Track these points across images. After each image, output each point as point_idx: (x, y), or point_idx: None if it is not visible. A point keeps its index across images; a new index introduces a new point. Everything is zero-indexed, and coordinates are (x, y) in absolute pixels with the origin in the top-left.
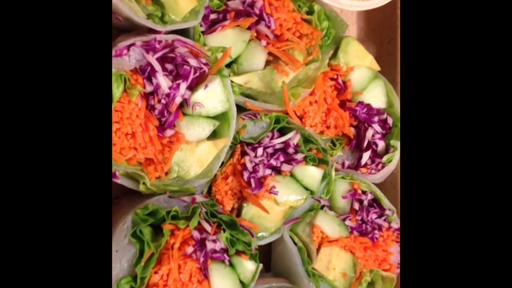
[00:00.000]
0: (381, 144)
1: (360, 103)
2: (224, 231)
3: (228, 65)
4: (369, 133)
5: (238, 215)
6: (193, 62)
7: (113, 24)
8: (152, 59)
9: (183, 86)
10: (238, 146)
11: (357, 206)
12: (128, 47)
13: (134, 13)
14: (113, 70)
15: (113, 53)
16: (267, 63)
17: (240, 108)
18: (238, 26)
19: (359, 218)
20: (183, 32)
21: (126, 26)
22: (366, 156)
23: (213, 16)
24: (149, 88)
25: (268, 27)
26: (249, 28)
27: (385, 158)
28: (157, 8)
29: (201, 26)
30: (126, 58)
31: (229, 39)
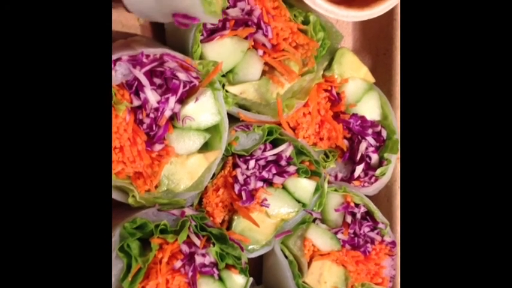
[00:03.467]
0: (375, 157)
1: (354, 115)
2: (214, 245)
3: (223, 74)
4: (363, 146)
5: (229, 227)
6: (182, 76)
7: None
8: (139, 73)
9: (172, 100)
10: (230, 158)
11: (349, 219)
12: (114, 62)
13: None
14: None
15: None
16: (263, 73)
17: (233, 119)
18: (236, 35)
19: (351, 231)
20: (184, 39)
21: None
22: (359, 169)
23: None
24: (137, 102)
25: (266, 36)
26: (246, 38)
27: (378, 171)
28: None
29: (202, 34)
30: (113, 73)
31: (227, 48)
